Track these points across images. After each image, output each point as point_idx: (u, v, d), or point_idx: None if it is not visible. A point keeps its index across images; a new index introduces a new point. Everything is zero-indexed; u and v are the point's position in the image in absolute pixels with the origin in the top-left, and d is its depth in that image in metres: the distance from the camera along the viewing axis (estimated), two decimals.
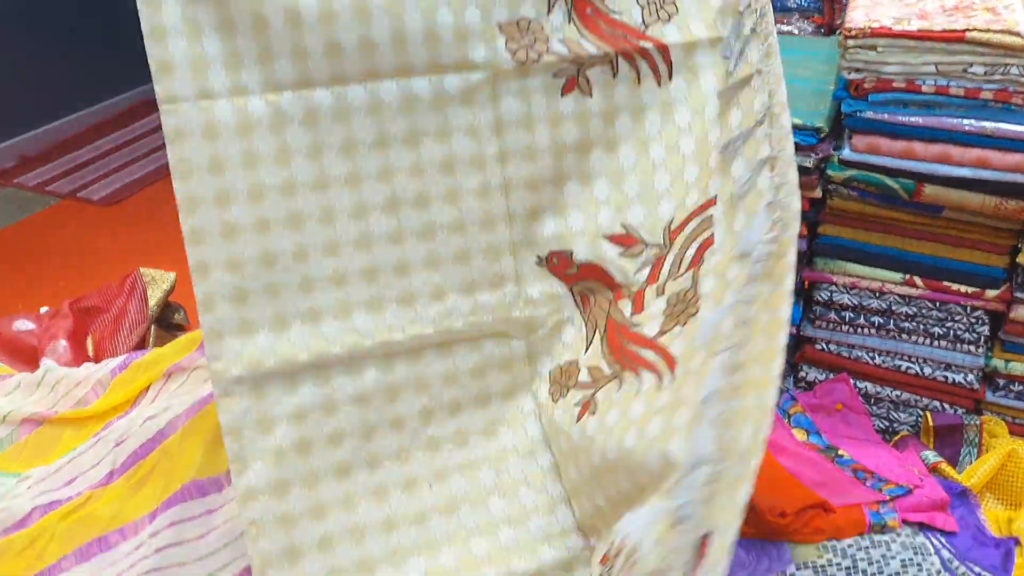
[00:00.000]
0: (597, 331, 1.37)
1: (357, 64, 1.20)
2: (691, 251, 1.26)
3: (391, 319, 1.29)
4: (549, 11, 1.29)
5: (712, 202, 1.23)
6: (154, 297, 2.07)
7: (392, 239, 1.28)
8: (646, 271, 1.33)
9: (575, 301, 1.38)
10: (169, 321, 2.14)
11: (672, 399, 1.15)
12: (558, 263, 1.36)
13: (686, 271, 1.26)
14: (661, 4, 1.31)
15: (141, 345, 2.00)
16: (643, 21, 1.31)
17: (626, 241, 1.35)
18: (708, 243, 1.23)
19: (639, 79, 1.32)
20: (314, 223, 1.23)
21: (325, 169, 1.23)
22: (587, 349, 1.36)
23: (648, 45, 1.30)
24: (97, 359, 1.94)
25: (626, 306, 1.36)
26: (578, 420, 1.29)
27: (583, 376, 1.35)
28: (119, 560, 1.53)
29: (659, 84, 1.32)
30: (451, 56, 1.24)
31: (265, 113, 1.18)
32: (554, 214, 1.35)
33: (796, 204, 1.06)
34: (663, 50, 1.30)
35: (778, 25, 2.27)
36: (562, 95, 1.31)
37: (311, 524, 1.22)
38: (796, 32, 2.25)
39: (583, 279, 1.37)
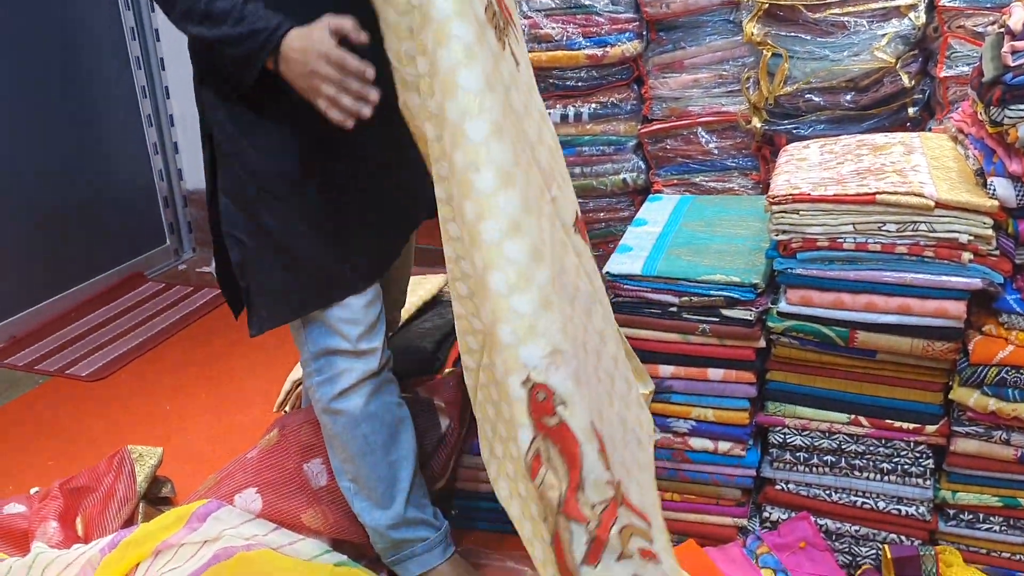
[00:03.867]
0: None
1: None
2: None
3: None
4: None
5: None
6: (142, 473, 2.13)
7: None
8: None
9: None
10: (157, 495, 2.20)
11: None
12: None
13: None
14: None
15: (130, 521, 2.05)
16: None
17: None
18: None
19: None
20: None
21: None
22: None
23: None
24: (87, 539, 2.00)
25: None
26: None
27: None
28: None
29: None
30: None
31: None
32: None
33: None
34: None
35: (720, 183, 2.45)
36: None
37: None
38: (737, 189, 2.42)
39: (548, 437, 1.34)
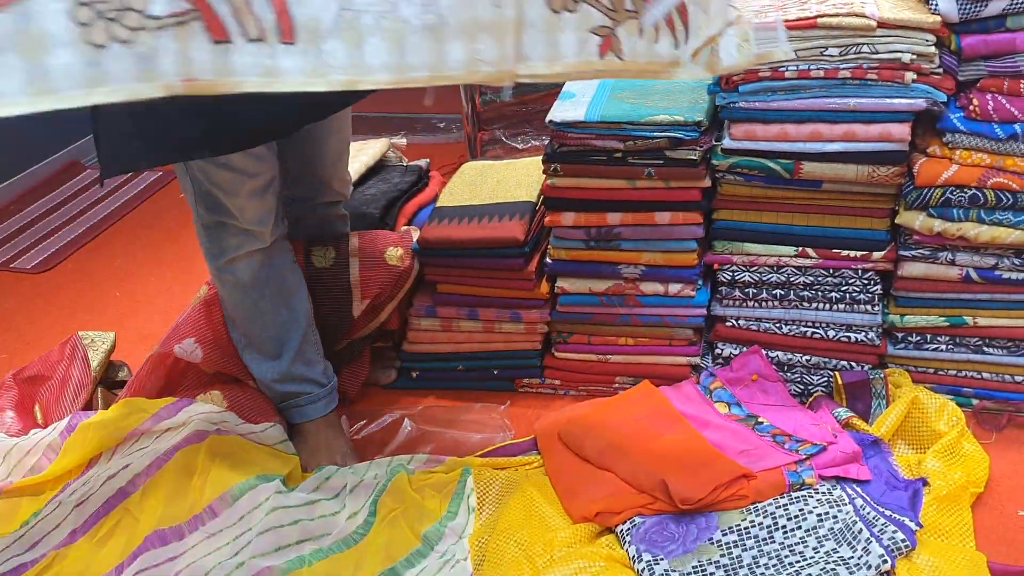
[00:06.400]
0: None
1: None
2: None
3: None
4: None
5: None
6: (96, 359, 2.11)
7: None
8: None
9: None
10: (113, 379, 2.18)
11: None
12: None
13: None
14: None
15: (88, 406, 2.04)
16: None
17: None
18: None
19: (657, 37, 1.24)
20: None
21: None
22: None
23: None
24: (45, 425, 1.98)
25: None
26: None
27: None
28: None
29: (676, 45, 1.26)
30: None
31: None
32: None
33: None
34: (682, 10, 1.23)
35: None
36: (600, 56, 1.22)
37: None
38: None
39: None
